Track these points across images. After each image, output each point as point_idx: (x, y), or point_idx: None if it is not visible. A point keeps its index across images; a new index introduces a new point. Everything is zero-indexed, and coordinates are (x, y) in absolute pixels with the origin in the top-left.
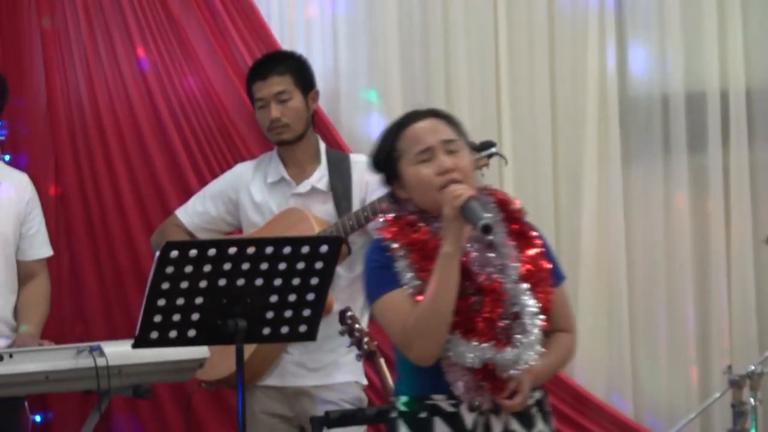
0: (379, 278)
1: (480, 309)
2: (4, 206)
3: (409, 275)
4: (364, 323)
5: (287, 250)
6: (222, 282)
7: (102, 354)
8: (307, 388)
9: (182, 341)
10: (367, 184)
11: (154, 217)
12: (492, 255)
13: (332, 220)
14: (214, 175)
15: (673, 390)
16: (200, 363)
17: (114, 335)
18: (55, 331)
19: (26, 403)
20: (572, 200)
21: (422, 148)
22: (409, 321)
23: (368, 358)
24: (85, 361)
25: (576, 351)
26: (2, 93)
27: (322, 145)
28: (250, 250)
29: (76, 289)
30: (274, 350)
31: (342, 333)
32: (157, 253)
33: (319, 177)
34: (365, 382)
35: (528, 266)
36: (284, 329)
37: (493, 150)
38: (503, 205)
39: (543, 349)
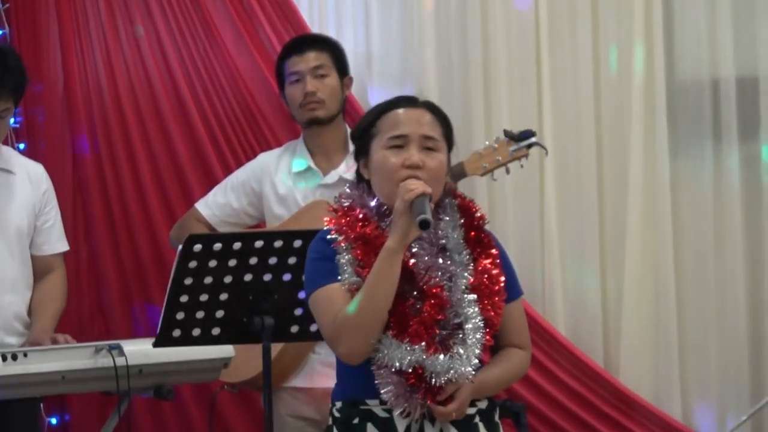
0: (318, 270)
1: (419, 313)
2: (18, 198)
3: (349, 270)
4: None
5: None
6: (248, 277)
7: (122, 353)
8: None
9: (206, 340)
10: None
11: (177, 207)
12: (443, 261)
13: None
14: (240, 163)
15: (723, 391)
16: (225, 363)
17: (135, 333)
18: (72, 329)
19: (42, 405)
20: (617, 193)
21: (397, 133)
22: (339, 314)
23: None
24: (104, 361)
25: (528, 367)
26: (22, 83)
27: (348, 131)
28: (278, 243)
29: (95, 284)
30: (302, 349)
31: None
32: (180, 247)
33: (348, 166)
34: None
35: (480, 277)
36: (313, 327)
37: (533, 140)
38: (465, 210)
39: (480, 364)
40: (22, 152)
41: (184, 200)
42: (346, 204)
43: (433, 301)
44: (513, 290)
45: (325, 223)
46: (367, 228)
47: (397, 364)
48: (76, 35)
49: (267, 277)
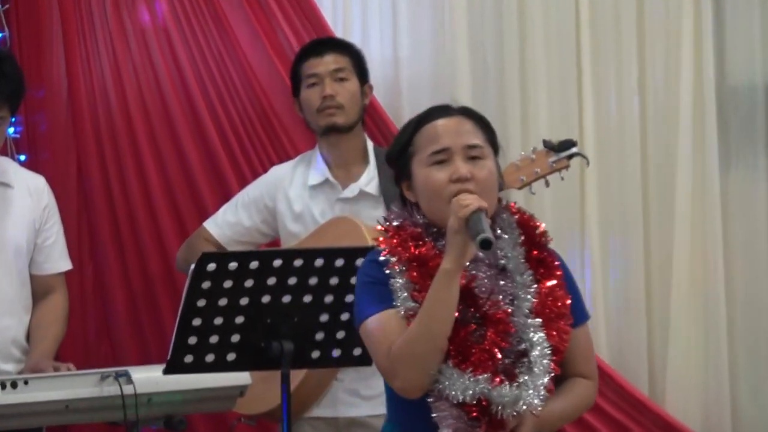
0: (371, 295)
1: (481, 340)
2: (17, 213)
3: (404, 295)
4: None
5: (339, 262)
6: (266, 299)
7: (129, 380)
8: (361, 418)
9: (220, 366)
10: None
11: (189, 221)
12: (504, 282)
13: None
14: (256, 175)
15: None
16: (241, 391)
17: (144, 359)
18: (76, 354)
19: None
20: (663, 205)
21: (438, 148)
22: (395, 344)
23: None
24: (111, 389)
25: (594, 399)
26: (18, 90)
27: (370, 144)
28: (298, 262)
29: (101, 305)
30: (325, 376)
31: None
32: (192, 267)
33: (368, 179)
34: None
35: (544, 299)
36: (336, 352)
37: (574, 150)
38: (525, 226)
39: (548, 394)
40: (23, 164)
41: (196, 214)
42: (396, 223)
43: (498, 328)
44: (579, 314)
45: (376, 244)
46: (422, 248)
47: (460, 396)
48: (81, 37)
49: (286, 298)
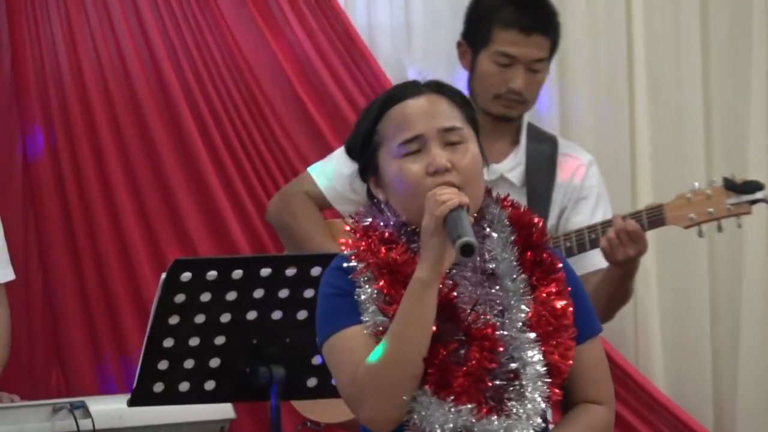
0: (333, 309)
1: (463, 361)
2: None
3: (371, 308)
4: None
5: None
6: (251, 315)
7: (87, 413)
8: None
9: (197, 396)
10: (574, 189)
11: (158, 225)
12: (491, 290)
13: None
14: (242, 169)
15: None
16: (222, 426)
17: (104, 388)
18: (21, 383)
19: None
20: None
21: (409, 136)
22: (360, 369)
23: None
24: (64, 423)
25: (612, 429)
26: None
27: (525, 120)
28: (290, 271)
29: (52, 323)
30: None
31: None
32: (163, 276)
33: (513, 164)
34: None
35: (540, 309)
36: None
37: (760, 195)
38: (520, 222)
39: (543, 425)
40: None
41: (168, 217)
42: (366, 223)
43: (484, 346)
44: (586, 326)
45: (341, 247)
46: (393, 252)
47: (438, 430)
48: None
49: (276, 314)
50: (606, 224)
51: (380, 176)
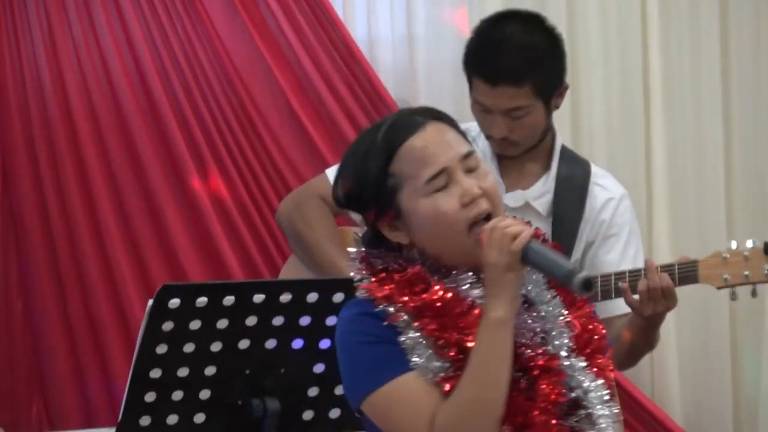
0: (377, 358)
1: (533, 397)
2: None
3: (427, 353)
4: None
5: (338, 297)
6: (244, 344)
7: None
8: None
9: (186, 430)
10: (602, 224)
11: (145, 245)
12: (529, 316)
13: None
14: (232, 185)
15: None
16: None
17: (87, 421)
18: (3, 411)
19: None
20: (751, 228)
21: (435, 171)
22: (439, 420)
23: None
24: None
25: None
26: None
27: (558, 143)
28: (285, 297)
29: (32, 351)
30: None
31: None
32: (150, 303)
33: (541, 192)
34: None
35: (581, 332)
36: (335, 413)
37: None
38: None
39: None
40: None
41: (154, 237)
42: (380, 266)
43: (551, 379)
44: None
45: (362, 293)
46: (434, 293)
47: None
48: (8, 9)
49: (270, 343)
50: (635, 273)
51: (403, 219)
